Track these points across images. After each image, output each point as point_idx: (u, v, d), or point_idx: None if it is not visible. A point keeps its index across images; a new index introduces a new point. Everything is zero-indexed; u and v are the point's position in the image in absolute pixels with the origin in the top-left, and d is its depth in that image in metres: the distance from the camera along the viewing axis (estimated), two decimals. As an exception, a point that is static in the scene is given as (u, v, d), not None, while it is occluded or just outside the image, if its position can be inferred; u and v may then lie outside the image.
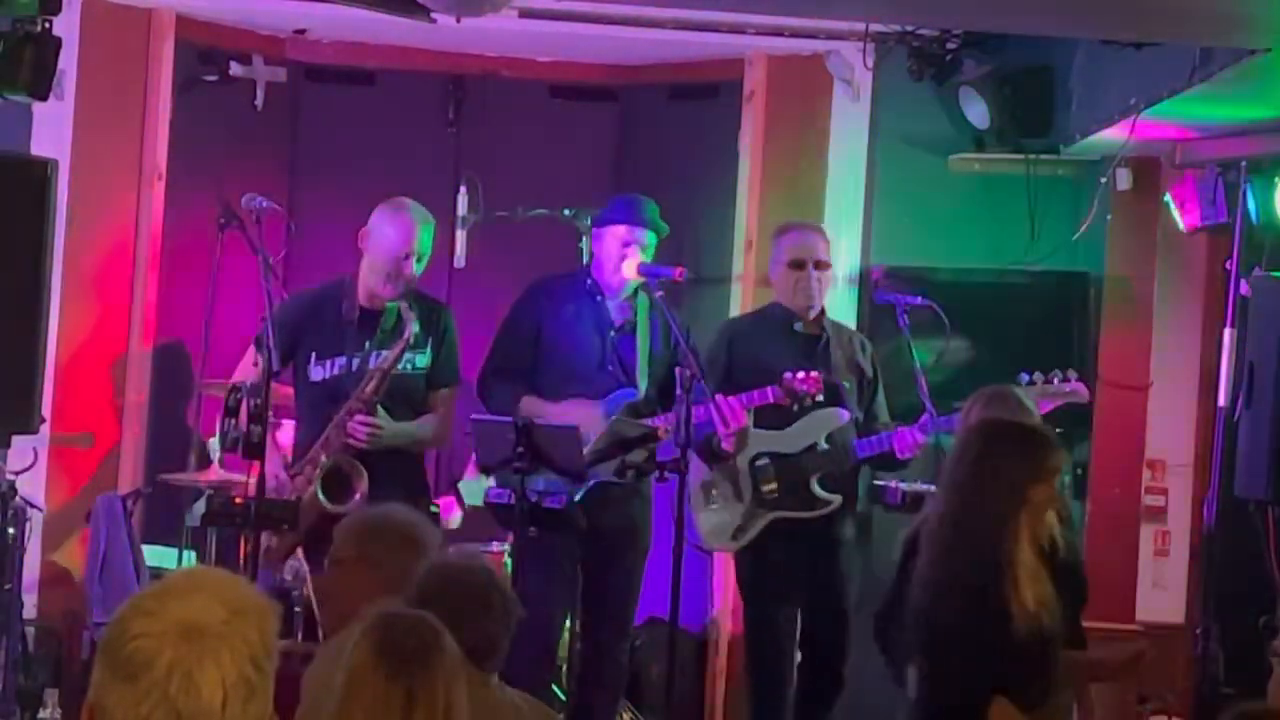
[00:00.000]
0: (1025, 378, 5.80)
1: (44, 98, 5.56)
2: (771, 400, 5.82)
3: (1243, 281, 6.28)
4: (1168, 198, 6.81)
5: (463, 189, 7.10)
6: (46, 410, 6.10)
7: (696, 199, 7.40)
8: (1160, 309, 7.08)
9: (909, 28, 6.81)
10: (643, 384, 5.98)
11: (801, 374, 5.82)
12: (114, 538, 6.53)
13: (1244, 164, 6.41)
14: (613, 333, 5.99)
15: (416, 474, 5.92)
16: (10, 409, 5.70)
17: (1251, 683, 5.10)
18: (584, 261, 6.20)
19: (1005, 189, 7.09)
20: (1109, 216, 7.00)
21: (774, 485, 5.98)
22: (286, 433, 6.01)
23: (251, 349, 5.73)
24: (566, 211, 6.54)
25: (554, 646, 6.03)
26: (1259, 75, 5.46)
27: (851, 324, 6.85)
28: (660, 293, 5.84)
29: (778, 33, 7.04)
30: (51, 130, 6.54)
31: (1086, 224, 6.96)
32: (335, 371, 5.72)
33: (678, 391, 5.50)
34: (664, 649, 5.79)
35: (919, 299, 6.18)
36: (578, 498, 5.81)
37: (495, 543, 6.41)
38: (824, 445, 6.00)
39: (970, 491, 4.23)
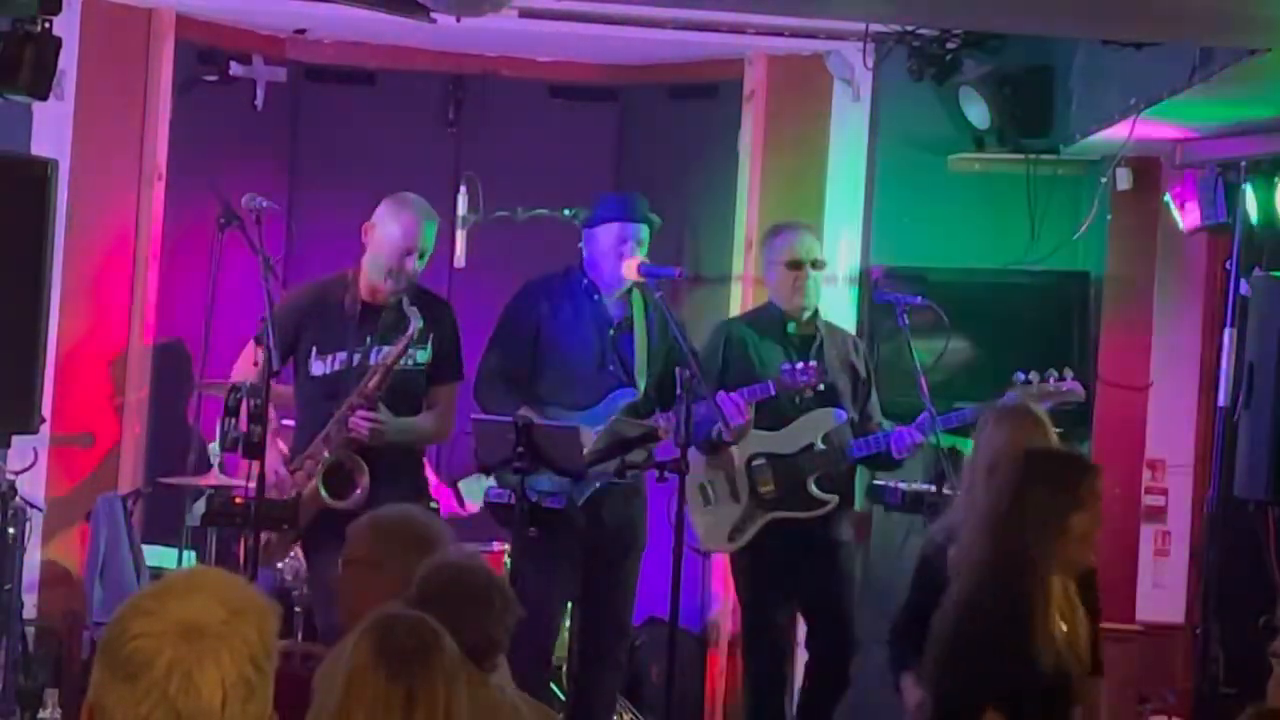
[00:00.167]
0: (1021, 377, 5.81)
1: (44, 98, 5.56)
2: (774, 393, 5.82)
3: (1243, 281, 6.28)
4: (1168, 198, 6.81)
5: (463, 189, 7.10)
6: (46, 410, 6.11)
7: (696, 199, 7.40)
8: (1160, 309, 7.08)
9: (909, 28, 6.81)
10: (641, 383, 5.98)
11: (801, 365, 5.83)
12: (114, 538, 6.53)
13: (1244, 164, 6.41)
14: (612, 331, 5.98)
15: (417, 470, 5.91)
16: (10, 409, 5.71)
17: (1251, 683, 5.10)
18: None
19: (1005, 189, 7.09)
20: (1109, 216, 7.01)
21: (771, 486, 5.99)
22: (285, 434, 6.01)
23: (250, 345, 5.73)
24: (566, 211, 6.54)
25: (551, 647, 6.04)
26: (1259, 75, 5.46)
27: (851, 324, 6.86)
28: (659, 293, 5.84)
29: (778, 33, 7.04)
30: (51, 130, 6.54)
31: (1086, 224, 6.96)
32: (336, 366, 5.71)
33: (678, 391, 5.50)
34: (664, 649, 5.79)
35: (919, 299, 6.19)
36: (580, 503, 5.81)
37: (495, 543, 6.42)
38: (820, 445, 6.01)
39: (1010, 522, 4.21)
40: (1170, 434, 7.05)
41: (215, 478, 6.18)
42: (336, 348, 5.70)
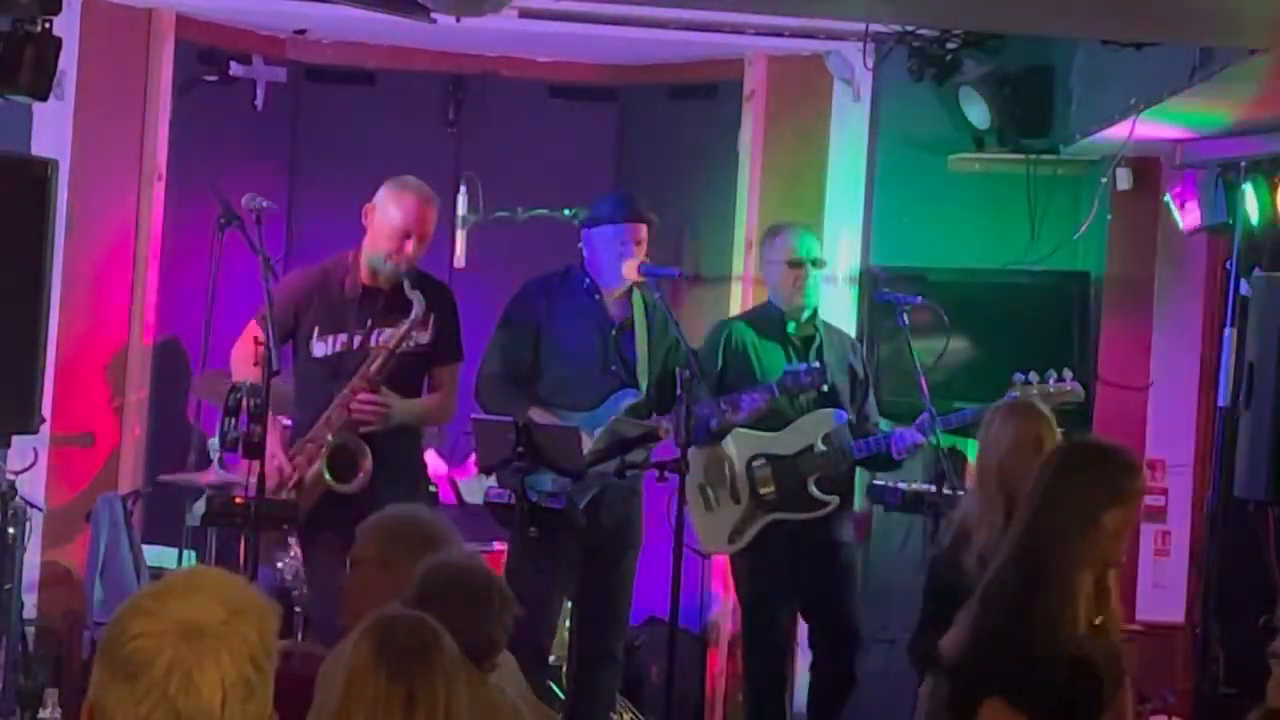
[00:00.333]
0: (1020, 378, 5.80)
1: (44, 98, 5.56)
2: (777, 394, 5.82)
3: (1243, 281, 6.28)
4: (1168, 198, 6.81)
5: (463, 189, 7.11)
6: (46, 410, 6.11)
7: (696, 199, 7.40)
8: (1160, 309, 7.08)
9: (909, 28, 6.81)
10: (643, 383, 5.98)
11: (804, 366, 5.83)
12: (114, 538, 6.53)
13: (1244, 164, 6.40)
14: (613, 331, 5.98)
15: (416, 455, 5.93)
16: (10, 409, 5.70)
17: (1251, 683, 5.09)
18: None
19: (1005, 189, 7.09)
20: (1109, 216, 7.00)
21: (771, 487, 5.99)
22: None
23: (251, 326, 5.73)
24: (566, 211, 6.54)
25: (549, 646, 6.04)
26: (1259, 75, 5.45)
27: (851, 324, 6.86)
28: (659, 293, 5.84)
29: (778, 33, 7.04)
30: (51, 130, 6.54)
31: (1086, 224, 6.96)
32: (337, 348, 5.72)
33: (678, 392, 5.50)
34: (664, 649, 5.79)
35: (919, 299, 6.19)
36: (582, 505, 5.81)
37: (495, 543, 6.42)
38: (821, 447, 6.00)
39: (1041, 513, 4.16)
40: (1170, 434, 7.05)
41: (215, 474, 6.17)
42: (337, 329, 5.72)
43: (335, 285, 5.75)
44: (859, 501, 6.50)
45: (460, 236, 7.10)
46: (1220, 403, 6.37)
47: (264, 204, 5.59)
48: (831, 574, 6.07)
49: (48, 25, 5.34)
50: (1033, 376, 5.81)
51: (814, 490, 5.99)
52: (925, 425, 5.85)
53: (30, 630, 6.37)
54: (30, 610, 6.44)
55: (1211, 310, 6.91)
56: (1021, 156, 6.98)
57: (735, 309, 7.07)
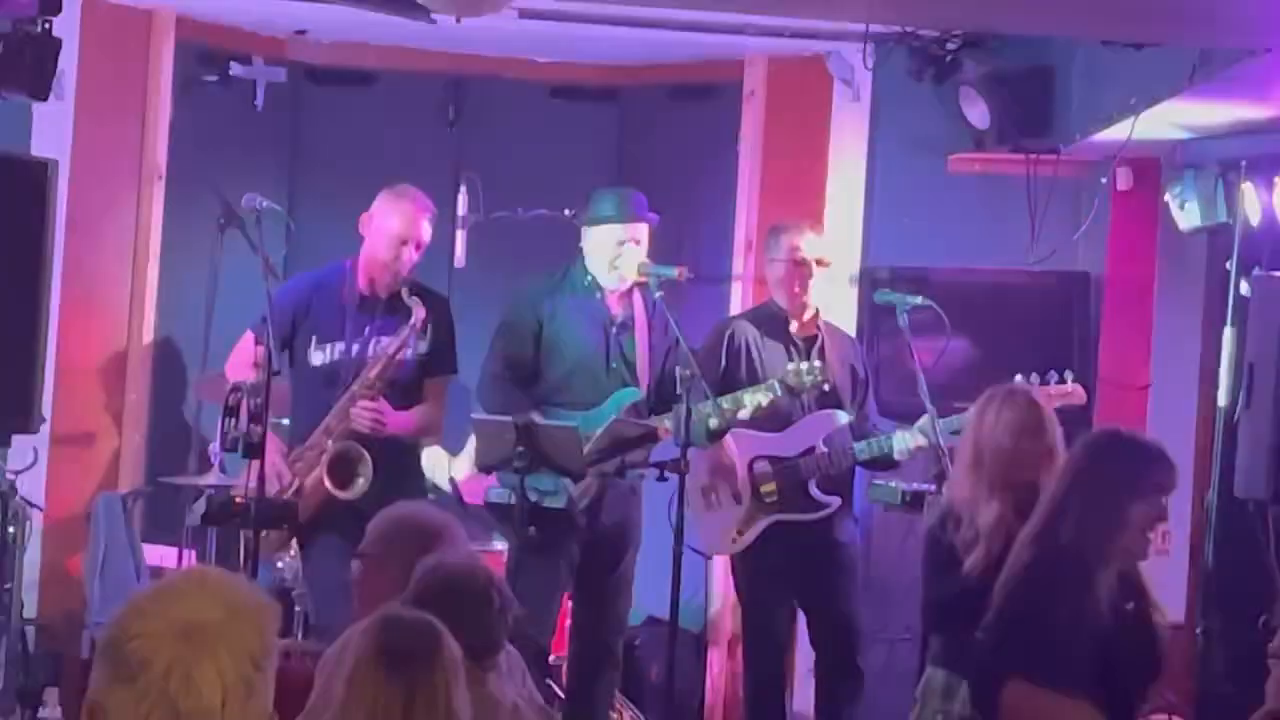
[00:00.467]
0: (1020, 379, 5.79)
1: (44, 98, 5.57)
2: (779, 394, 5.81)
3: (1243, 281, 6.28)
4: (1168, 198, 6.80)
5: (463, 189, 7.10)
6: (46, 410, 6.11)
7: (696, 199, 7.40)
8: (1160, 309, 7.08)
9: (909, 28, 6.80)
10: (643, 382, 5.98)
11: (805, 364, 5.83)
12: (114, 538, 6.53)
13: (1244, 164, 6.40)
14: (614, 329, 5.98)
15: (415, 460, 5.94)
16: (10, 409, 5.71)
17: (1251, 683, 5.10)
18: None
19: (1005, 189, 7.09)
20: (1109, 216, 7.00)
21: (773, 488, 5.98)
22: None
23: (247, 338, 5.75)
24: (566, 211, 6.54)
25: (549, 645, 6.04)
26: (1259, 75, 5.45)
27: (851, 324, 6.85)
28: (660, 293, 5.83)
29: (778, 33, 7.03)
30: (51, 130, 6.54)
31: (1086, 224, 6.96)
32: (335, 356, 5.73)
33: (677, 391, 5.50)
34: (664, 649, 5.79)
35: (919, 299, 6.19)
36: (582, 505, 5.81)
37: (495, 543, 6.42)
38: (822, 448, 6.00)
39: (1068, 500, 4.15)
40: (1170, 434, 7.02)
41: (215, 477, 6.18)
42: (335, 337, 5.73)
43: (333, 294, 5.76)
44: (859, 502, 6.50)
45: (460, 236, 7.09)
46: (1220, 403, 6.37)
47: (264, 204, 5.60)
48: (832, 574, 6.07)
49: (47, 25, 5.34)
50: (1034, 379, 5.81)
51: (815, 491, 5.99)
52: (927, 428, 5.84)
53: (30, 630, 6.37)
54: (30, 610, 6.44)
55: (1211, 310, 6.90)
56: (1021, 156, 6.97)
57: (735, 309, 7.07)
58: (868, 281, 7.05)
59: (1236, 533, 6.32)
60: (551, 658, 6.22)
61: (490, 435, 5.71)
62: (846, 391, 6.13)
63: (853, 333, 6.66)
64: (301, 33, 7.32)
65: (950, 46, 6.83)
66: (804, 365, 5.84)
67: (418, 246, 5.74)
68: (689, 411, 5.46)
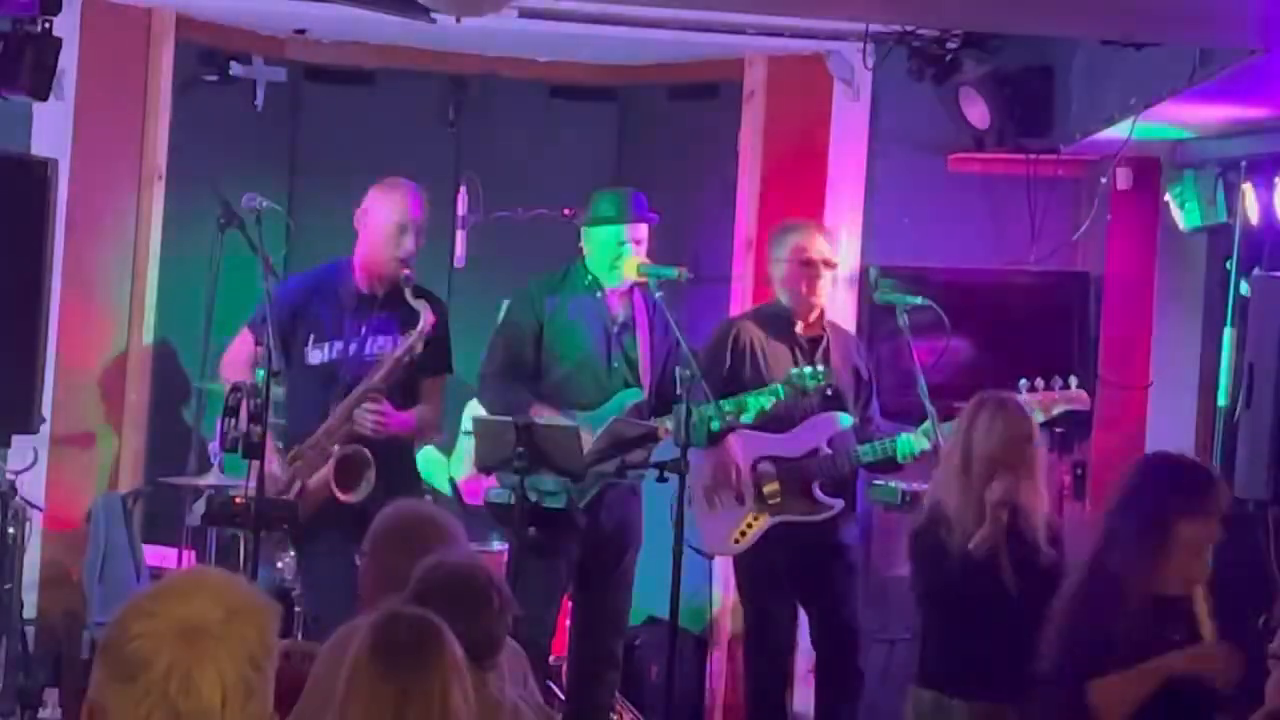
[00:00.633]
0: (1025, 384, 5.79)
1: (44, 98, 5.57)
2: (782, 397, 5.81)
3: (1243, 281, 6.28)
4: (1168, 198, 6.80)
5: (463, 189, 7.10)
6: (46, 410, 6.11)
7: (696, 199, 7.40)
8: (1160, 309, 7.07)
9: (909, 28, 6.80)
10: (644, 383, 5.98)
11: (809, 369, 5.83)
12: (114, 538, 6.53)
13: (1244, 164, 6.40)
14: (615, 329, 5.98)
15: (411, 461, 5.95)
16: (10, 409, 5.71)
17: (1251, 683, 5.09)
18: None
19: (1005, 189, 7.09)
20: (1109, 216, 7.00)
21: (776, 489, 5.98)
22: None
23: (244, 335, 5.75)
24: (566, 211, 6.54)
25: (549, 645, 6.04)
26: (1259, 75, 5.45)
27: (851, 324, 6.85)
28: (660, 293, 5.83)
29: (778, 33, 7.03)
30: (51, 130, 6.54)
31: (1086, 224, 6.96)
32: (333, 355, 5.74)
33: (677, 391, 5.50)
34: (664, 649, 5.79)
35: (919, 299, 6.19)
36: (582, 504, 5.81)
37: (495, 543, 6.42)
38: (826, 449, 6.00)
39: (1115, 518, 4.20)
40: (1170, 434, 7.04)
41: (215, 477, 6.18)
42: (334, 336, 5.73)
43: (331, 292, 5.77)
44: (859, 502, 6.50)
45: (460, 236, 7.09)
46: (1220, 403, 6.36)
47: (264, 204, 5.60)
48: (835, 576, 6.07)
49: (48, 25, 5.35)
50: (1038, 383, 5.80)
51: (818, 493, 5.99)
52: (930, 430, 5.83)
53: (30, 630, 6.37)
54: (30, 610, 6.43)
55: (1211, 310, 6.90)
56: (1021, 156, 6.97)
57: (735, 309, 7.07)
58: (867, 281, 7.05)
59: (1236, 533, 6.31)
60: (551, 658, 6.22)
61: (490, 435, 5.71)
62: (850, 393, 6.13)
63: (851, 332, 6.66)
64: (301, 32, 7.32)
65: (950, 46, 6.83)
66: (807, 369, 5.84)
67: (417, 233, 5.75)
68: (689, 411, 5.47)
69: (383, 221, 5.72)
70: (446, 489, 6.80)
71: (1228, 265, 6.48)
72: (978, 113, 6.89)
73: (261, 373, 5.42)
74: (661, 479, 5.56)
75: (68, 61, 6.13)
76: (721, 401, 5.75)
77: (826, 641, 6.14)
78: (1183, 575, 4.15)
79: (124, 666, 2.01)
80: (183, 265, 6.83)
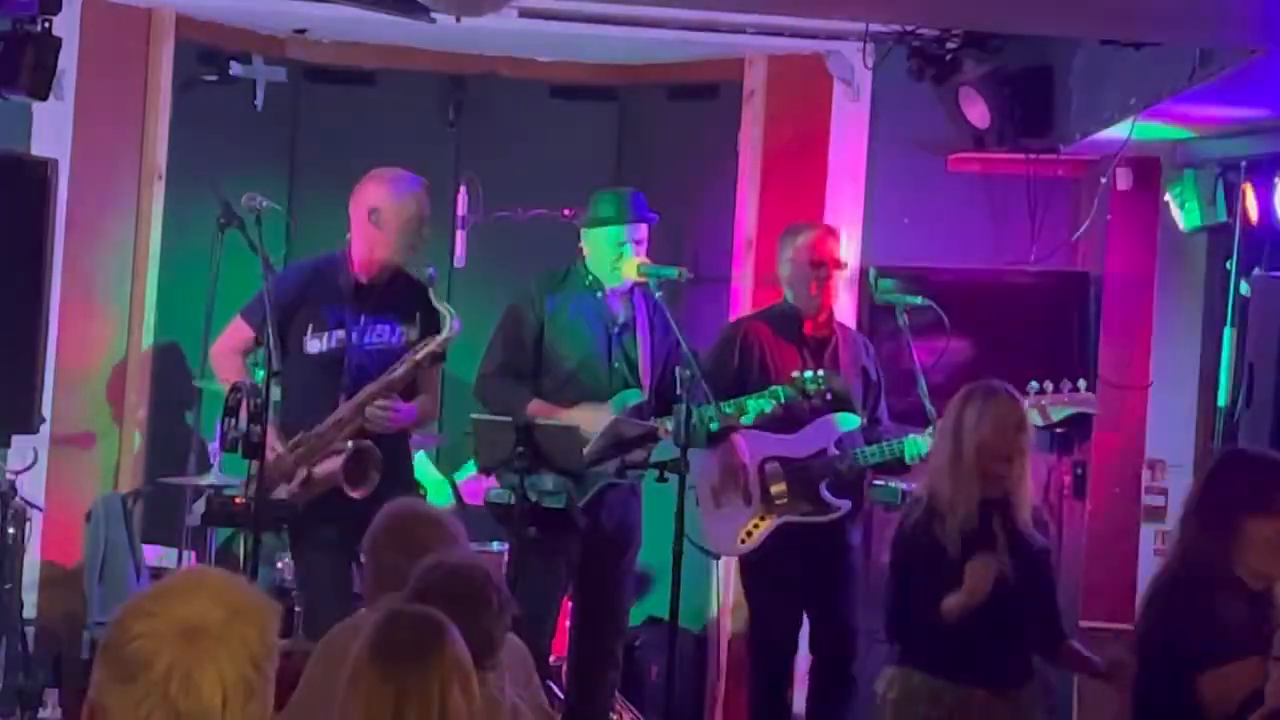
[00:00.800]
0: (1035, 386, 5.78)
1: (44, 98, 5.57)
2: (784, 400, 5.80)
3: (1243, 281, 6.28)
4: (1168, 198, 6.80)
5: (463, 189, 7.10)
6: (46, 410, 6.11)
7: (696, 199, 7.40)
8: (1160, 309, 7.07)
9: (909, 28, 6.80)
10: (644, 383, 5.97)
11: (810, 373, 5.82)
12: (114, 538, 6.53)
13: (1244, 164, 6.40)
14: (616, 330, 5.98)
15: (407, 456, 5.97)
16: (10, 409, 5.72)
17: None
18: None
19: (1005, 189, 7.09)
20: (1109, 216, 7.00)
21: (783, 489, 5.97)
22: None
23: (237, 323, 5.74)
24: (566, 212, 6.54)
25: (549, 646, 6.04)
26: (1259, 75, 5.45)
27: (851, 324, 6.85)
28: (659, 293, 5.83)
29: (778, 33, 7.03)
30: (51, 130, 6.54)
31: (1086, 224, 6.96)
32: (332, 345, 5.74)
33: (677, 392, 5.50)
34: (664, 649, 5.79)
35: (919, 299, 6.19)
36: (582, 504, 5.81)
37: (495, 543, 6.42)
38: (833, 450, 6.00)
39: (1192, 513, 4.22)
40: (1170, 434, 7.05)
41: (215, 477, 6.18)
42: (334, 326, 5.74)
43: (330, 282, 5.78)
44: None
45: (460, 236, 7.09)
46: (1220, 403, 6.37)
47: (264, 204, 5.60)
48: (838, 579, 6.05)
49: (48, 25, 5.35)
50: (1047, 386, 5.79)
51: (825, 494, 5.99)
52: (935, 431, 5.83)
53: (30, 630, 6.37)
54: (30, 610, 6.43)
55: (1211, 310, 6.90)
56: (1021, 156, 6.97)
57: (735, 309, 7.07)
58: (868, 281, 7.05)
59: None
60: (551, 658, 6.21)
61: (490, 435, 5.70)
62: (858, 394, 6.13)
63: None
64: (301, 32, 7.32)
65: (950, 46, 6.82)
66: (809, 374, 5.83)
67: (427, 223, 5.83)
68: (689, 411, 5.46)
69: (406, 219, 5.74)
70: (433, 491, 6.77)
71: (1228, 265, 6.49)
72: (978, 113, 6.89)
73: (261, 373, 5.42)
74: (661, 479, 5.56)
75: (68, 61, 6.13)
76: (721, 403, 5.75)
77: (823, 645, 6.14)
78: (1256, 569, 4.17)
79: (124, 666, 2.01)
80: (183, 265, 6.83)
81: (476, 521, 6.33)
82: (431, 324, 5.80)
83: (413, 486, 5.99)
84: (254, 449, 5.14)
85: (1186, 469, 6.99)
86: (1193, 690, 4.12)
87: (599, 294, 5.97)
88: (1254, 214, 6.40)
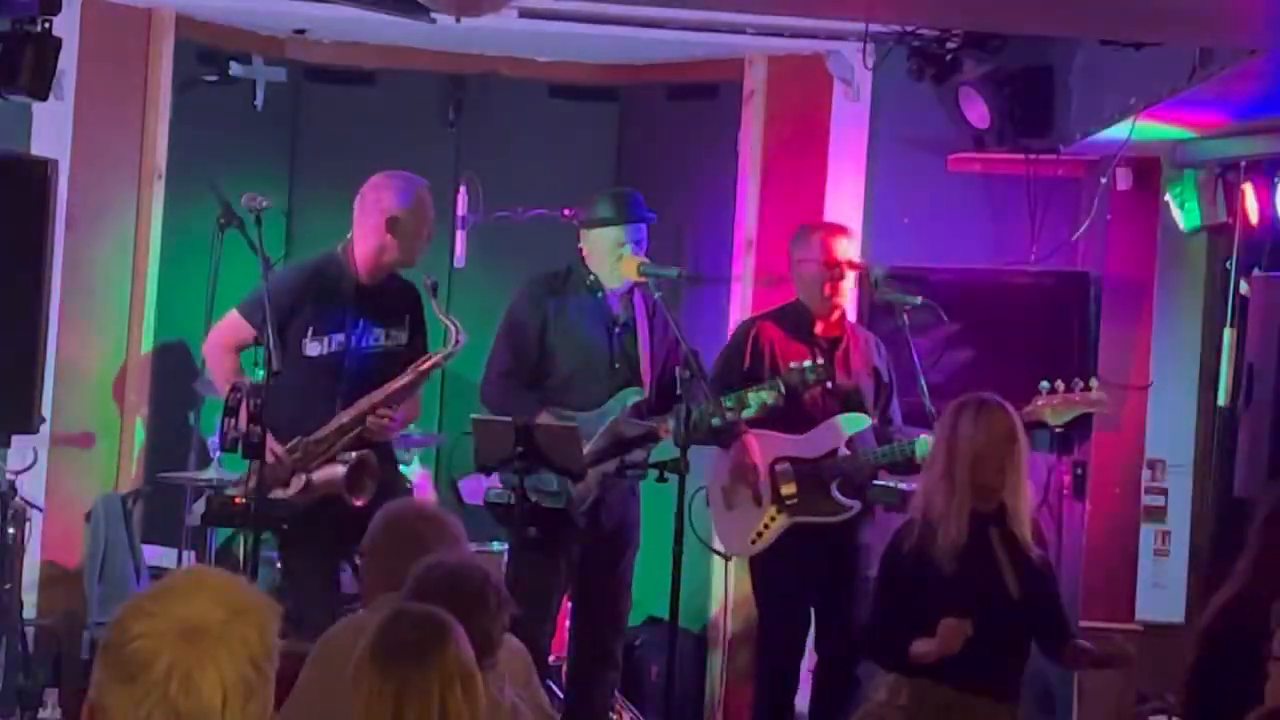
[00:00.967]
0: (1046, 386, 5.77)
1: (44, 98, 5.56)
2: (783, 391, 5.80)
3: (1243, 281, 6.28)
4: (1168, 198, 6.80)
5: (463, 189, 7.10)
6: (46, 410, 6.11)
7: (696, 199, 7.40)
8: (1160, 309, 7.07)
9: (909, 28, 6.80)
10: (645, 383, 5.97)
11: (808, 364, 5.81)
12: (114, 538, 6.53)
13: (1244, 164, 6.40)
14: (617, 330, 5.98)
15: (394, 461, 6.00)
16: (10, 409, 5.71)
17: (1251, 683, 5.10)
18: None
19: (1005, 189, 7.09)
20: (1109, 216, 7.00)
21: (793, 490, 5.97)
22: None
23: (232, 317, 5.73)
24: (566, 212, 6.54)
25: (549, 646, 6.04)
26: (1259, 75, 5.45)
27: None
28: (659, 293, 5.83)
29: (778, 33, 7.03)
30: (51, 130, 6.54)
31: (1087, 224, 6.96)
32: (332, 348, 5.73)
33: (677, 391, 5.50)
34: (664, 649, 5.79)
35: (919, 299, 6.18)
36: (584, 508, 5.80)
37: (495, 543, 6.42)
38: (844, 450, 5.99)
39: (1252, 542, 4.26)
40: (1170, 434, 7.05)
41: (215, 471, 6.18)
42: (333, 329, 5.73)
43: (331, 285, 5.77)
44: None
45: (460, 236, 7.09)
46: (1220, 403, 6.36)
47: (264, 204, 5.60)
48: (847, 580, 6.03)
49: (48, 25, 5.34)
50: (1059, 385, 5.78)
51: (836, 494, 5.98)
52: None
53: (30, 630, 6.37)
54: (30, 610, 6.43)
55: (1211, 310, 6.90)
56: (1021, 156, 6.97)
57: (735, 309, 7.07)
58: (868, 281, 7.04)
59: (1236, 533, 6.31)
60: (551, 658, 6.21)
61: (490, 435, 5.70)
62: (869, 394, 6.12)
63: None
64: (301, 32, 7.32)
65: (950, 46, 6.83)
66: (806, 364, 5.83)
67: None
68: (689, 411, 5.46)
69: (422, 224, 5.76)
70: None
71: (1228, 265, 6.49)
72: (978, 113, 6.89)
73: (260, 372, 5.43)
74: (661, 479, 5.56)
75: (68, 61, 6.13)
76: (721, 398, 5.74)
77: (828, 644, 6.13)
78: None
79: (124, 667, 2.01)
80: (183, 265, 6.83)
81: (477, 522, 6.34)
82: (420, 327, 5.82)
83: (405, 489, 6.00)
84: (254, 449, 5.14)
85: (1186, 469, 7.00)
86: None
87: (599, 294, 5.97)
88: (1254, 214, 6.40)
